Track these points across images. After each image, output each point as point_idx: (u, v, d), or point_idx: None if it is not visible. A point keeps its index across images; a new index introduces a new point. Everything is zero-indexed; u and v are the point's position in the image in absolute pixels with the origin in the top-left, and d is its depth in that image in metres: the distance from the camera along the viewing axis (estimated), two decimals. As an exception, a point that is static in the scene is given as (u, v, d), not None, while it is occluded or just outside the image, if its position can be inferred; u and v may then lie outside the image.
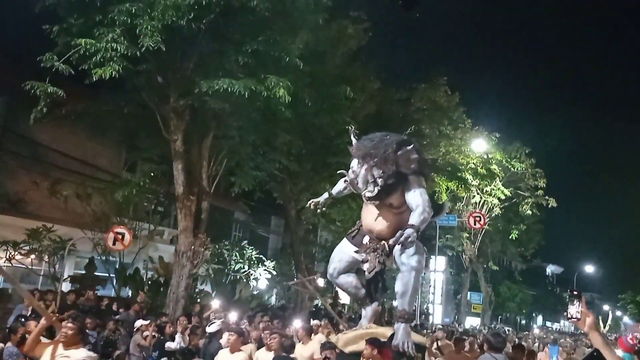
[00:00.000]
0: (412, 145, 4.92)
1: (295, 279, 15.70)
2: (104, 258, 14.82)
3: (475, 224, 23.14)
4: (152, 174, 15.38)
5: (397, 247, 4.71)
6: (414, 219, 4.65)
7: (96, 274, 14.79)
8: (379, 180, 4.82)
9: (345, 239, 5.47)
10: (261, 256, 18.29)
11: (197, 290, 15.20)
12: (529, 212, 25.84)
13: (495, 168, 23.05)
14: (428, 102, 19.01)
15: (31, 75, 9.69)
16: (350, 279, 5.39)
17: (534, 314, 49.87)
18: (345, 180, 5.07)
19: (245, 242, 19.30)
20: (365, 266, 5.01)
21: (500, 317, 41.80)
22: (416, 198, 4.80)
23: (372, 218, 5.08)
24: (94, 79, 9.62)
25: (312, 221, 18.65)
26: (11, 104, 15.08)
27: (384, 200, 4.96)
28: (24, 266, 13.59)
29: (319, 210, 5.68)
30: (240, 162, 14.09)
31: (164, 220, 18.03)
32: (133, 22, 9.38)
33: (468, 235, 27.42)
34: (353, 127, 5.31)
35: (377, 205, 5.03)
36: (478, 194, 23.75)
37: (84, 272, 14.72)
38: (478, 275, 30.59)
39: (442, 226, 23.65)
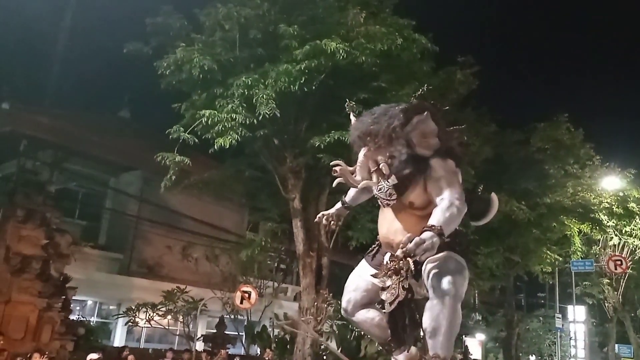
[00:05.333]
0: (426, 113, 3.40)
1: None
2: (232, 317, 15.34)
3: (616, 269, 21.09)
4: (273, 233, 15.90)
5: (430, 265, 3.32)
6: (436, 217, 3.14)
7: (226, 332, 15.32)
8: (384, 168, 3.34)
9: (363, 260, 3.88)
10: (384, 310, 18.00)
11: (322, 347, 15.17)
12: (678, 252, 23.16)
13: (633, 206, 21.08)
14: (549, 141, 18.10)
15: (162, 149, 10.59)
16: (371, 315, 3.77)
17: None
18: (333, 172, 3.39)
19: (367, 296, 19.13)
20: (385, 295, 3.36)
21: (657, 372, 37.17)
22: (440, 188, 3.31)
23: (389, 227, 3.56)
24: (216, 148, 10.31)
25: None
26: (146, 177, 16.55)
27: (402, 200, 3.46)
28: (161, 327, 14.44)
29: (333, 226, 4.09)
30: (356, 216, 14.17)
31: (286, 277, 18.43)
32: (249, 92, 10.01)
33: (609, 281, 25.04)
34: (353, 103, 3.84)
35: (394, 208, 3.54)
36: (616, 235, 21.77)
37: (215, 331, 15.31)
38: (625, 325, 27.65)
39: (577, 272, 21.87)
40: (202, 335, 15.32)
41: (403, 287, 3.28)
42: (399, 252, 3.06)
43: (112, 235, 17.36)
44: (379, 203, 3.63)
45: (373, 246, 3.85)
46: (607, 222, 20.01)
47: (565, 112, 18.59)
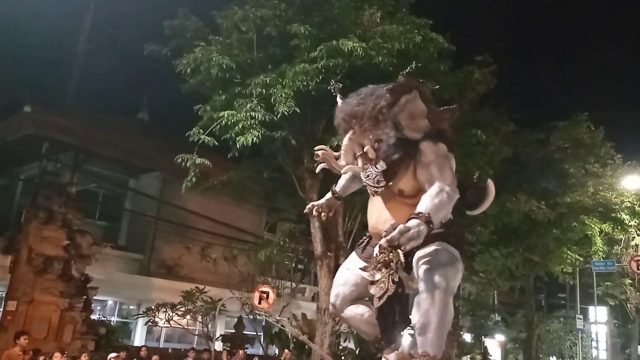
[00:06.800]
0: (414, 92, 3.15)
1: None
2: (251, 317, 15.42)
3: (638, 269, 20.78)
4: (291, 233, 15.93)
5: (420, 257, 3.03)
6: (424, 204, 2.89)
7: (245, 332, 15.40)
8: (369, 152, 3.10)
9: (353, 253, 3.62)
10: (402, 311, 17.95)
11: (340, 347, 15.17)
12: (703, 252, 22.70)
13: (656, 205, 20.75)
14: (569, 140, 17.93)
15: (180, 151, 10.68)
16: (360, 311, 3.47)
17: None
18: (316, 156, 3.24)
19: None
20: (374, 289, 3.14)
21: (681, 374, 36.48)
22: (430, 174, 3.05)
23: (378, 216, 3.28)
24: (237, 147, 10.37)
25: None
26: (164, 178, 16.70)
27: (391, 187, 3.20)
28: (180, 327, 14.56)
29: (324, 217, 3.78)
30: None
31: (304, 277, 18.46)
32: (268, 91, 10.06)
33: (631, 281, 24.67)
34: (339, 84, 3.67)
35: (383, 197, 3.27)
36: (638, 235, 21.44)
37: (233, 331, 15.40)
38: (648, 327, 27.23)
39: (599, 273, 21.58)
40: (220, 335, 15.42)
41: (393, 280, 3.08)
42: (382, 242, 2.83)
43: (132, 236, 17.55)
44: (368, 191, 3.35)
45: (364, 238, 3.58)
46: (629, 221, 19.72)
47: (585, 110, 18.44)
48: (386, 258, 3.06)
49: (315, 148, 3.28)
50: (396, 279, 3.07)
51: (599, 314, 25.83)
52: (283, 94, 9.80)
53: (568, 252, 18.14)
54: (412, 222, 2.75)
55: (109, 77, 20.34)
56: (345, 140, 3.19)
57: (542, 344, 25.04)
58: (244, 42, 10.70)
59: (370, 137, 3.10)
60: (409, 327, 3.31)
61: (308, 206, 3.80)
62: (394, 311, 3.36)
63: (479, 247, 16.02)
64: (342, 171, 3.28)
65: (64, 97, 17.12)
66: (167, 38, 11.39)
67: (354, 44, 9.61)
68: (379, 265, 3.09)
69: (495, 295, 26.95)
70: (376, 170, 3.18)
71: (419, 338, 3.04)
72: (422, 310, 3.00)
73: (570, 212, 16.88)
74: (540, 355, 24.77)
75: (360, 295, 3.47)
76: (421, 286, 3.03)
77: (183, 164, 10.50)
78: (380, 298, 3.09)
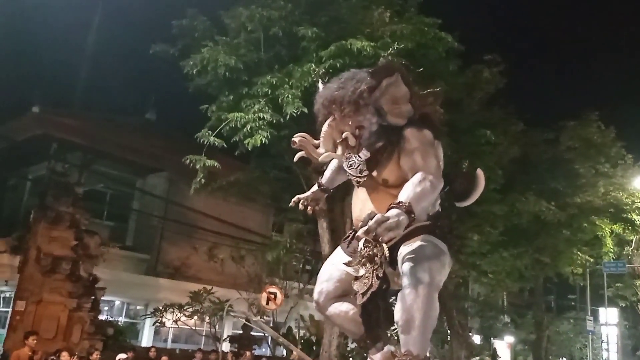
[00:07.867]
0: (396, 74, 2.99)
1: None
2: (258, 318, 15.38)
3: (649, 270, 20.64)
4: (298, 234, 15.89)
5: (404, 251, 2.88)
6: (405, 192, 2.72)
7: (252, 333, 15.37)
8: (349, 139, 2.96)
9: (339, 247, 3.44)
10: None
11: (348, 348, 15.10)
12: None
13: (667, 206, 20.53)
14: (579, 140, 17.76)
15: (188, 151, 10.66)
16: (344, 308, 3.28)
17: None
18: (293, 144, 3.08)
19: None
20: (357, 285, 3.00)
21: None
22: (414, 162, 2.91)
23: (362, 208, 3.13)
24: (248, 149, 10.34)
25: (462, 274, 17.89)
26: (172, 178, 16.71)
27: (375, 177, 3.06)
28: (188, 327, 14.55)
29: (310, 211, 3.64)
30: (382, 216, 14.04)
31: (312, 278, 18.40)
32: (275, 92, 10.01)
33: (642, 282, 24.49)
34: (322, 70, 3.49)
35: (367, 187, 3.13)
36: (649, 235, 21.25)
37: (241, 332, 15.37)
38: (660, 329, 27.01)
39: (609, 274, 21.39)
40: (228, 336, 15.40)
41: (377, 276, 2.94)
42: (359, 232, 2.64)
43: (139, 236, 17.57)
44: (352, 182, 3.21)
45: (349, 232, 3.40)
46: (640, 222, 19.56)
47: (595, 110, 18.24)
48: (370, 252, 2.95)
49: (294, 136, 3.09)
50: (380, 275, 2.96)
51: (609, 315, 25.65)
52: (290, 95, 9.76)
53: (578, 253, 17.98)
54: (391, 212, 2.57)
55: (117, 77, 20.39)
56: (325, 127, 3.03)
57: (551, 346, 24.88)
58: (251, 42, 10.66)
59: (351, 123, 2.96)
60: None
61: (294, 199, 3.65)
62: (377, 308, 3.17)
63: (488, 247, 15.91)
64: (319, 159, 3.09)
65: (73, 97, 17.18)
66: (175, 38, 11.37)
67: (363, 43, 9.53)
68: (363, 260, 2.97)
69: (505, 297, 26.78)
70: (359, 159, 3.05)
71: (402, 336, 2.86)
72: (405, 306, 2.82)
73: (581, 213, 16.72)
74: (550, 357, 24.62)
75: (345, 292, 3.27)
76: (405, 281, 2.85)
77: (191, 164, 10.49)
78: (363, 294, 2.97)
